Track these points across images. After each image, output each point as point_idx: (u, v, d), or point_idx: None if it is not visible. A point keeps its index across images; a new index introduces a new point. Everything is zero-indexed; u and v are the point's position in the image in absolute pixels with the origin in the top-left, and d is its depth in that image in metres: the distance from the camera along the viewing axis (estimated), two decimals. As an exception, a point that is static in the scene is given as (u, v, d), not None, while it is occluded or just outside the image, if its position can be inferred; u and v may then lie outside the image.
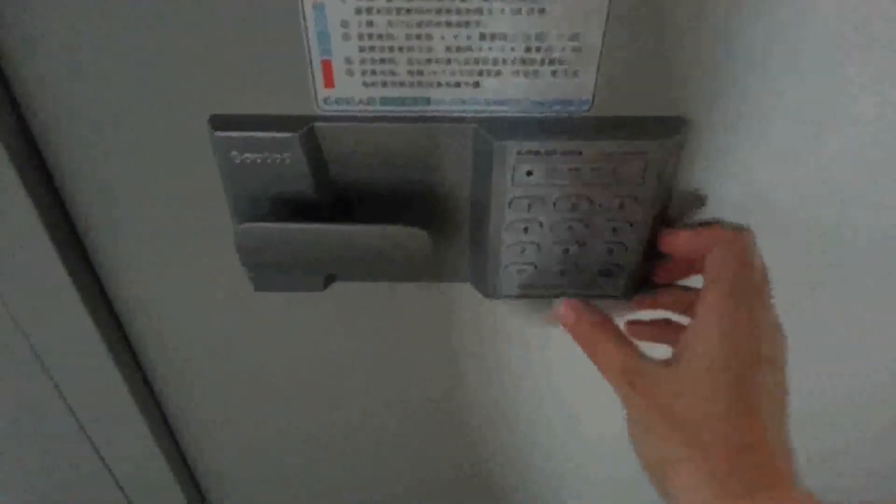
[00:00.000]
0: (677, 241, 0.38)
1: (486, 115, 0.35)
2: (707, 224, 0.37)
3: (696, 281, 0.37)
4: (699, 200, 0.40)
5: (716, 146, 0.37)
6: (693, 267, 0.39)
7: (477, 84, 0.34)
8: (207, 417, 0.57)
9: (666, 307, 0.41)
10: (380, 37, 0.32)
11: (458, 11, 0.31)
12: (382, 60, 0.33)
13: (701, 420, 0.30)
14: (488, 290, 0.42)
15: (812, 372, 0.51)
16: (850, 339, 0.49)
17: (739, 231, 0.35)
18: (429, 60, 0.33)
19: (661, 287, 0.41)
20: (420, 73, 0.34)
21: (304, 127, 0.35)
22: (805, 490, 0.29)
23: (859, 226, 0.41)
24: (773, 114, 0.35)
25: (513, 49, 0.33)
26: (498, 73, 0.34)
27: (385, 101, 0.35)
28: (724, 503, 0.28)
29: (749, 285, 0.33)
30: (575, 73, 0.33)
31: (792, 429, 0.31)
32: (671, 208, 0.40)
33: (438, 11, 0.31)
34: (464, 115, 0.35)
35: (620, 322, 0.45)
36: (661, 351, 0.36)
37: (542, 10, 0.31)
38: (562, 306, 0.39)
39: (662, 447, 0.31)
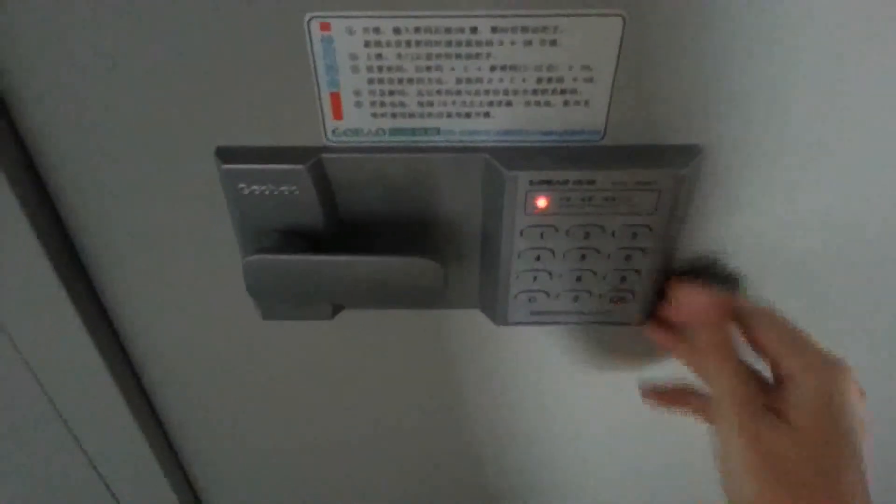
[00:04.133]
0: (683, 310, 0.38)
1: (497, 145, 0.35)
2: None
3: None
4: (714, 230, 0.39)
5: (731, 173, 0.36)
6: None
7: (487, 114, 0.34)
8: (205, 425, 0.56)
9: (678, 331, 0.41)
10: (389, 69, 0.32)
11: (468, 44, 0.31)
12: (392, 92, 0.33)
13: (802, 481, 0.31)
14: (499, 317, 0.42)
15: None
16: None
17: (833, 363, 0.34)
18: (438, 92, 0.33)
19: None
20: (430, 104, 0.33)
21: (313, 158, 0.35)
22: None
23: (882, 256, 0.41)
24: (787, 140, 0.35)
25: (524, 80, 0.32)
26: (509, 104, 0.33)
27: (394, 131, 0.35)
28: None
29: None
30: (587, 104, 0.33)
31: None
32: (684, 236, 0.39)
33: (448, 44, 0.31)
34: (474, 145, 0.35)
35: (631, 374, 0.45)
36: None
37: (553, 42, 0.31)
38: (707, 297, 0.37)
39: (759, 494, 0.31)
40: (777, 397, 0.34)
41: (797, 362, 0.34)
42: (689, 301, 0.38)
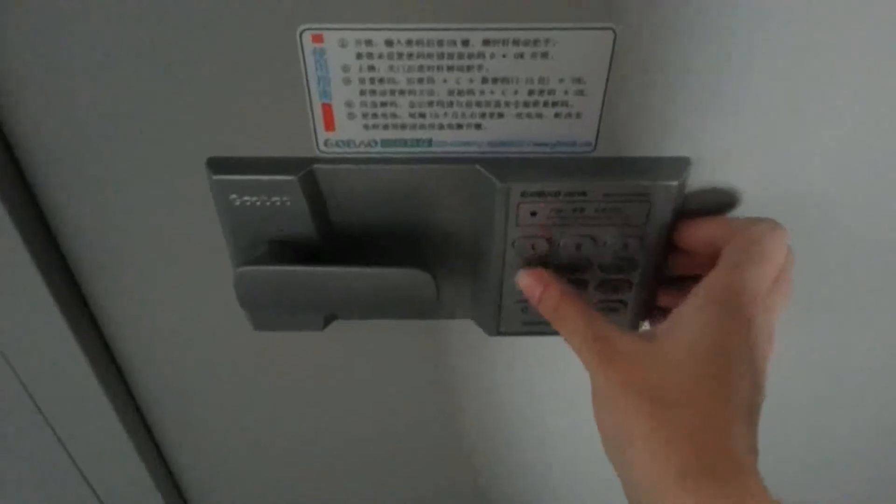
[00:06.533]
0: (698, 233, 0.36)
1: (489, 156, 0.35)
2: (731, 217, 0.36)
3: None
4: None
5: (720, 185, 0.37)
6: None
7: (479, 126, 0.34)
8: (195, 434, 0.56)
9: None
10: (381, 81, 0.32)
11: (461, 56, 0.31)
12: (384, 104, 0.33)
13: (678, 399, 0.29)
14: (491, 327, 0.42)
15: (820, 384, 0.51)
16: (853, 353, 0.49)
17: (765, 225, 0.33)
18: (431, 103, 0.33)
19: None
20: (422, 115, 0.33)
21: (305, 170, 0.35)
22: (762, 486, 0.28)
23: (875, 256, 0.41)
24: (777, 152, 0.35)
25: (515, 92, 0.32)
26: (500, 116, 0.33)
27: (386, 143, 0.35)
28: (682, 484, 0.27)
29: (755, 281, 0.31)
30: (578, 115, 0.33)
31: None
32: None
33: (440, 56, 0.31)
34: (466, 156, 0.35)
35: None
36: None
37: (545, 55, 0.31)
38: (526, 276, 0.36)
39: (626, 419, 0.30)
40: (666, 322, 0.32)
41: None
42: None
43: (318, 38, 0.31)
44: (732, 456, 0.28)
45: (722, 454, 0.28)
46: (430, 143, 0.35)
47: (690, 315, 0.31)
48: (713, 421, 0.29)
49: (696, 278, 0.33)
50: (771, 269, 0.32)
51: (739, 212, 0.38)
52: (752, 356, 0.30)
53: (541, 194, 0.35)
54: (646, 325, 0.42)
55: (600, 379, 0.31)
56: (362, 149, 0.35)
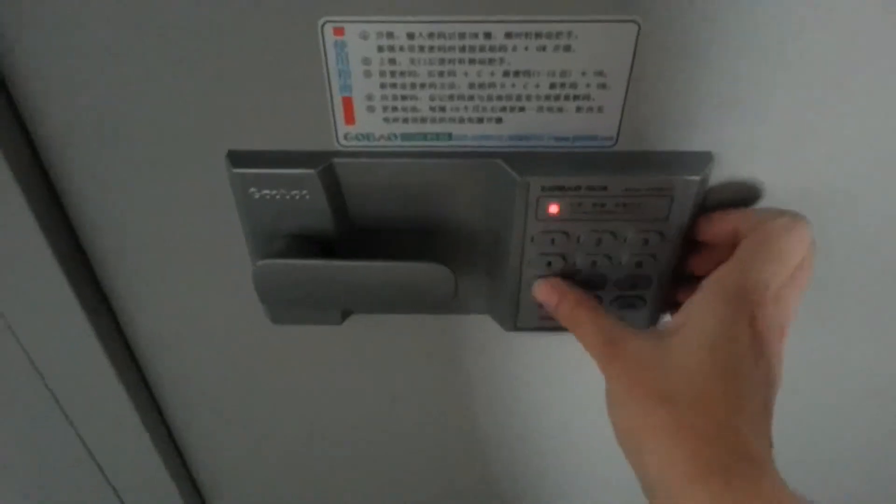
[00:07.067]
0: (720, 226, 0.35)
1: (509, 150, 0.35)
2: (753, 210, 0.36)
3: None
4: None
5: (743, 180, 0.36)
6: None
7: (500, 120, 0.34)
8: (212, 428, 0.56)
9: None
10: (402, 74, 0.32)
11: (482, 49, 0.31)
12: (404, 97, 0.33)
13: (685, 396, 0.29)
14: (508, 322, 0.42)
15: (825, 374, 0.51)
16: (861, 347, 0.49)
17: (783, 221, 0.32)
18: (451, 97, 0.33)
19: None
20: (442, 109, 0.33)
21: (324, 163, 0.35)
22: (780, 480, 0.27)
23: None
24: (800, 148, 0.35)
25: (537, 86, 0.32)
26: (521, 110, 0.33)
27: (406, 136, 0.35)
28: (698, 481, 0.27)
29: (767, 279, 0.31)
30: (600, 109, 0.33)
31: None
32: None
33: (462, 49, 0.31)
34: (486, 150, 0.35)
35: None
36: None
37: (567, 48, 0.31)
38: (543, 287, 0.38)
39: (641, 418, 0.30)
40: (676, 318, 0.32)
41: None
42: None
43: (339, 31, 0.31)
44: (753, 454, 0.28)
45: (743, 454, 0.28)
46: (450, 136, 0.34)
47: (700, 311, 0.31)
48: (730, 420, 0.28)
49: None
50: (785, 267, 0.31)
51: (760, 207, 0.38)
52: (763, 351, 0.30)
53: (561, 189, 0.34)
54: (668, 317, 0.42)
55: (612, 381, 0.32)
56: (382, 142, 0.35)
